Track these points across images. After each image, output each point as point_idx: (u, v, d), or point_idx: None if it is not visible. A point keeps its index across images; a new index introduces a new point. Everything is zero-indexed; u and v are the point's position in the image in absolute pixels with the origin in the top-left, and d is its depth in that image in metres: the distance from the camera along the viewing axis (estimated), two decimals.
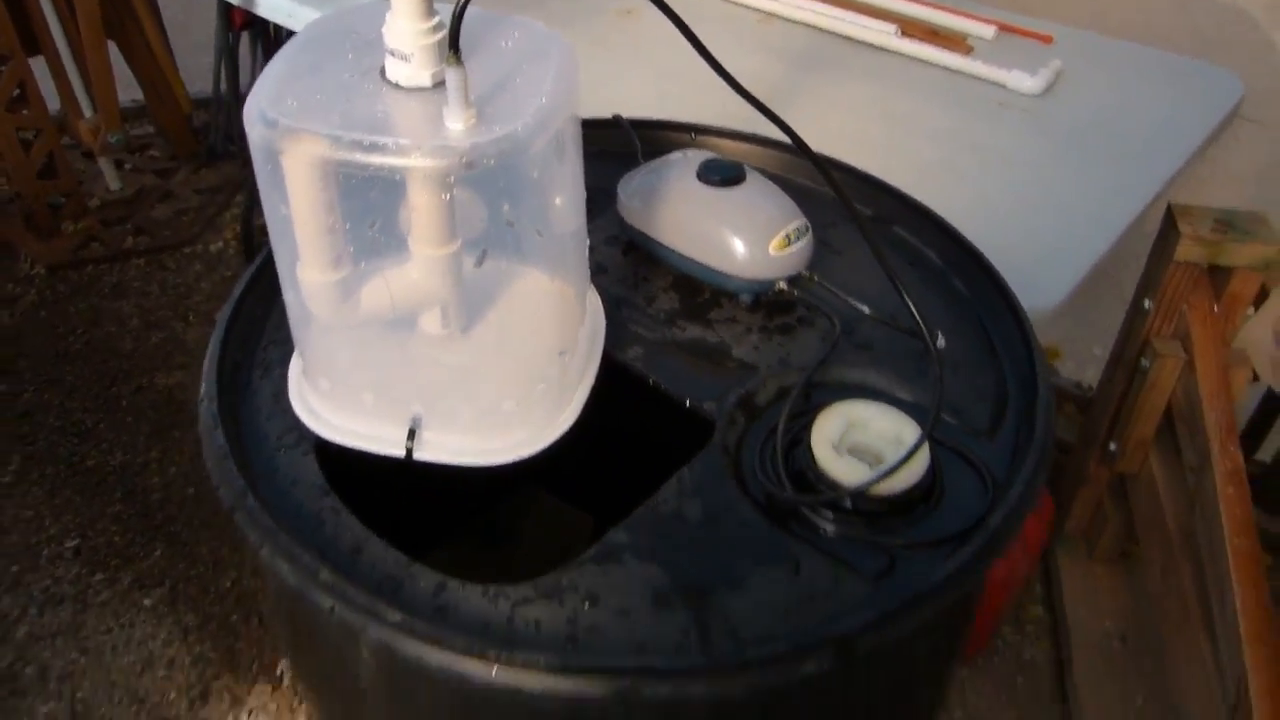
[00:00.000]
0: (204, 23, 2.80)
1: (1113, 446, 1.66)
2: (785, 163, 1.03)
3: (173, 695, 1.72)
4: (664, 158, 0.92)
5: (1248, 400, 1.85)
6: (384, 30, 0.62)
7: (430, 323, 0.72)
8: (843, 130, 1.35)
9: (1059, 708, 1.75)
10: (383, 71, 0.64)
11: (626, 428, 0.86)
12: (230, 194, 2.77)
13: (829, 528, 0.70)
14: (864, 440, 0.74)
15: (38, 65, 2.40)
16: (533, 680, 0.59)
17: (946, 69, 1.51)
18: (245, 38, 2.50)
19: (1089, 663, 1.72)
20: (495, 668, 0.60)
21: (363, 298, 0.69)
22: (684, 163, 0.88)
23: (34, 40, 2.37)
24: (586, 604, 0.65)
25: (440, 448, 0.72)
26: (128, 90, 2.62)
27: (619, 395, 0.81)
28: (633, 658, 0.61)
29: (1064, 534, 1.89)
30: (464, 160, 0.59)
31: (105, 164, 2.65)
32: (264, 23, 2.39)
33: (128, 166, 2.80)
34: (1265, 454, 1.90)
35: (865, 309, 0.86)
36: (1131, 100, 1.46)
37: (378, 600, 0.61)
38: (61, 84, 2.46)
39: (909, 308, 0.80)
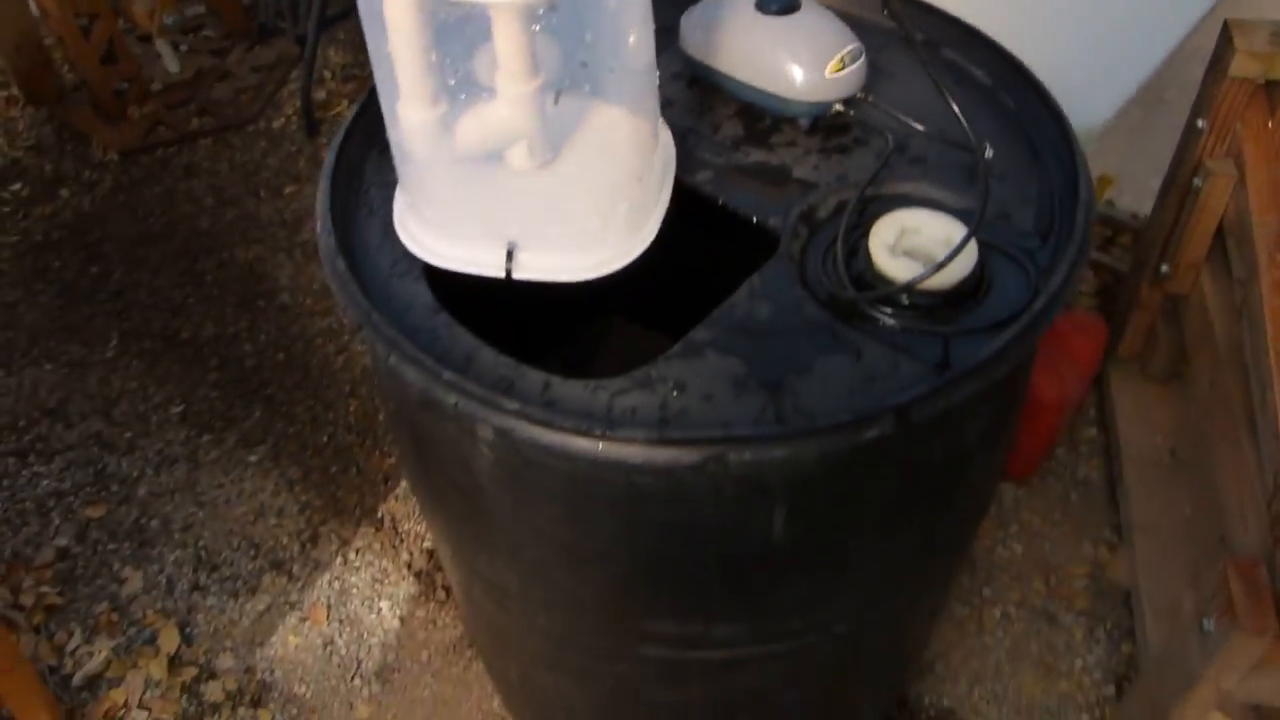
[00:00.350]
0: None
1: (1165, 269, 1.71)
2: None
3: (285, 540, 1.88)
4: None
5: None
6: None
7: (518, 156, 0.80)
8: None
9: (1111, 521, 1.85)
10: None
11: (697, 249, 0.93)
12: (286, 70, 2.83)
13: (887, 320, 0.78)
14: (917, 243, 0.81)
15: None
16: (633, 453, 0.69)
17: None
18: None
19: (1140, 476, 1.80)
20: (600, 444, 0.69)
21: (458, 133, 0.77)
22: None
23: None
24: (675, 392, 0.74)
25: (535, 267, 0.81)
26: None
27: (690, 218, 0.88)
28: (718, 430, 0.71)
29: (1117, 357, 1.96)
30: None
31: (163, 46, 2.71)
32: None
33: (183, 48, 2.85)
34: None
35: (917, 126, 0.92)
36: None
37: (494, 393, 0.71)
38: None
39: (958, 118, 0.86)
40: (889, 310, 0.78)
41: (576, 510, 0.79)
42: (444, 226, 0.82)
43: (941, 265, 0.77)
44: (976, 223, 0.79)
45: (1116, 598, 1.75)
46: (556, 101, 0.80)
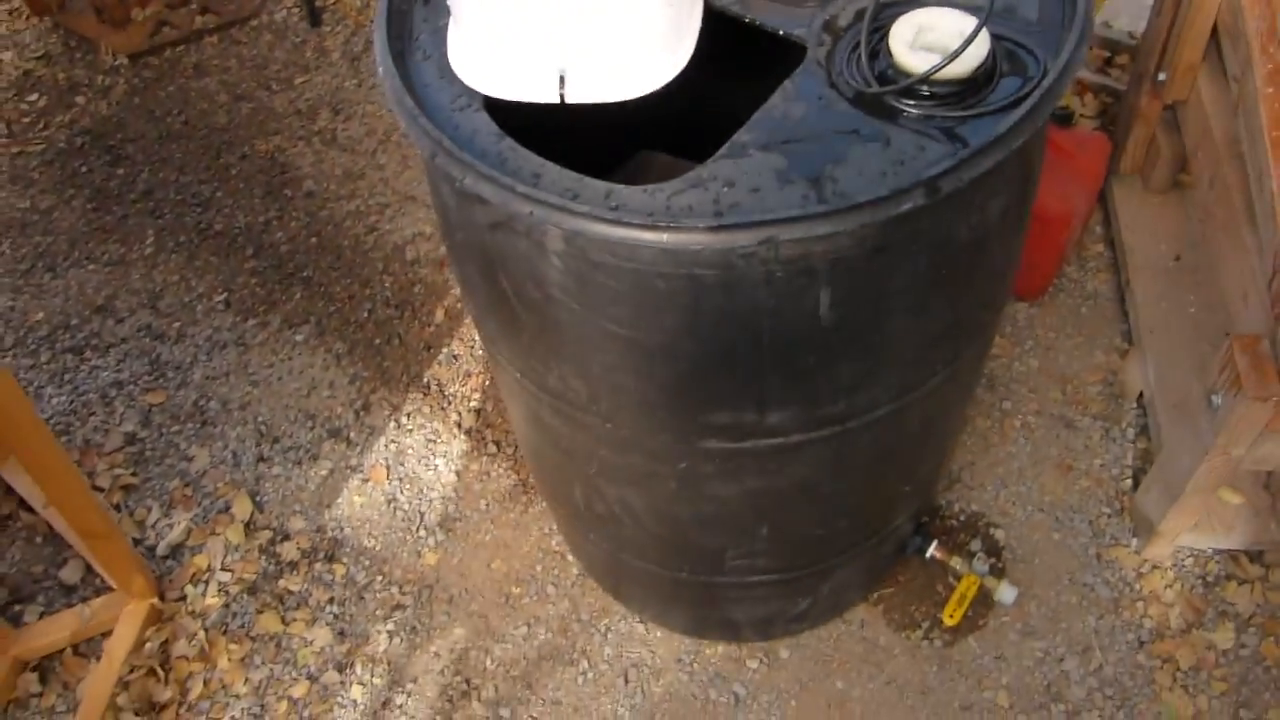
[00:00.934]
0: None
1: (1162, 76, 1.76)
2: None
3: (339, 409, 1.99)
4: None
5: None
6: None
7: None
8: None
9: (1122, 329, 1.95)
10: None
11: (728, 75, 1.00)
12: None
13: (910, 110, 0.86)
14: (933, 39, 0.88)
15: None
16: (693, 240, 0.78)
17: None
18: None
19: (1146, 282, 1.89)
20: (665, 235, 0.78)
21: None
22: None
23: None
24: (725, 188, 0.82)
25: (585, 90, 0.88)
26: None
27: (720, 41, 0.95)
28: (768, 214, 0.79)
29: (1120, 173, 2.02)
30: None
31: None
32: None
33: None
34: None
35: None
36: None
37: (565, 199, 0.80)
38: None
39: None
40: (911, 101, 0.86)
41: (641, 307, 0.88)
42: (498, 58, 0.89)
43: (956, 55, 0.84)
44: (986, 14, 0.86)
45: (1130, 399, 1.86)
46: None
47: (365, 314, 2.12)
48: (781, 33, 0.93)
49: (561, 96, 0.88)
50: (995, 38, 0.90)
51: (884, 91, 0.86)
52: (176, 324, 2.14)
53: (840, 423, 1.05)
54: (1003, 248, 1.00)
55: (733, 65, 1.02)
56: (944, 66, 0.84)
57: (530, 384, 1.09)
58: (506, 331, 1.04)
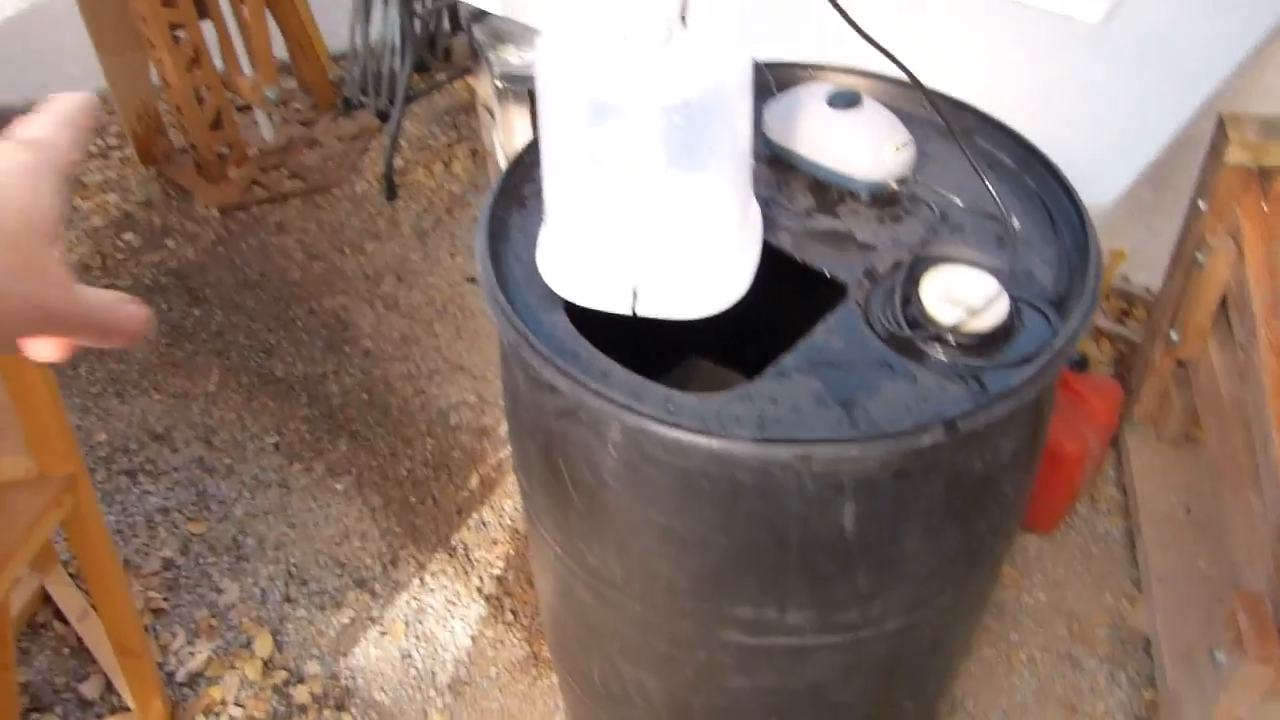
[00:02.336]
0: None
1: (1174, 336, 1.90)
2: (888, 90, 1.29)
3: (368, 561, 2.07)
4: (795, 88, 1.19)
5: None
6: (622, 9, 0.90)
7: (643, 215, 1.01)
8: (925, 58, 1.59)
9: (1130, 573, 2.01)
10: (622, 35, 0.92)
11: (772, 302, 1.13)
12: (367, 140, 3.09)
13: (936, 355, 0.98)
14: (960, 294, 1.01)
15: (205, 29, 2.73)
16: (740, 449, 0.89)
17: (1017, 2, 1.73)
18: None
19: (1157, 532, 1.97)
20: (715, 442, 0.89)
21: (598, 195, 0.98)
22: (813, 91, 1.15)
23: (203, 7, 2.70)
24: (769, 404, 0.94)
25: (654, 306, 1.01)
26: (275, 48, 2.94)
27: (768, 274, 1.09)
28: (806, 434, 0.90)
29: (1134, 420, 2.13)
30: (685, 99, 0.87)
31: (261, 116, 2.98)
32: None
33: (277, 118, 3.13)
34: None
35: (957, 201, 1.13)
36: (1186, 18, 1.67)
37: (630, 399, 0.91)
38: (225, 46, 2.79)
39: (991, 196, 1.06)
40: (938, 347, 0.98)
41: (685, 501, 0.98)
42: (580, 271, 1.02)
43: (979, 312, 0.97)
44: (1008, 279, 0.99)
45: (1137, 645, 1.90)
46: (671, 170, 1.01)
47: (404, 472, 2.22)
48: (828, 274, 1.06)
49: (633, 310, 1.01)
50: (1014, 299, 1.02)
51: (913, 336, 0.98)
52: (227, 460, 2.26)
53: (854, 630, 1.12)
54: (1013, 482, 1.09)
55: (779, 289, 1.15)
56: (967, 321, 0.96)
57: (569, 559, 1.17)
58: (555, 508, 1.14)
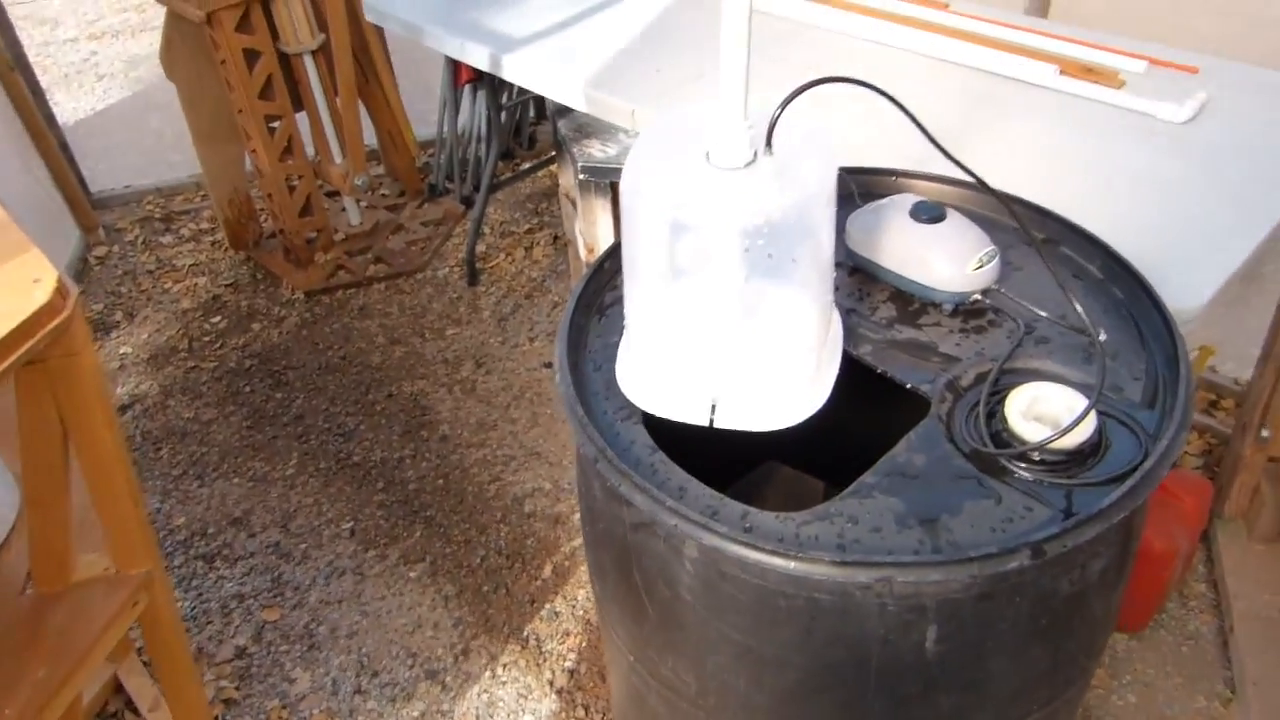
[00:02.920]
0: (427, 72, 3.23)
1: (1265, 433, 1.83)
2: (975, 198, 1.29)
3: (439, 651, 2.07)
4: (880, 201, 1.20)
5: None
6: (712, 127, 0.92)
7: (722, 328, 1.02)
8: (1012, 161, 1.59)
9: (1224, 674, 1.92)
10: (707, 156, 0.93)
11: (856, 409, 1.13)
12: (451, 226, 3.18)
13: (1021, 473, 0.96)
14: (1046, 410, 0.99)
15: (299, 121, 2.85)
16: (819, 570, 0.87)
17: (1102, 103, 1.72)
18: (466, 90, 2.90)
19: (1250, 632, 1.89)
20: (792, 563, 0.88)
21: (679, 309, 0.99)
22: (898, 204, 1.16)
23: (298, 99, 2.83)
24: (850, 524, 0.93)
25: (732, 418, 1.01)
26: (365, 136, 3.05)
27: (851, 383, 1.08)
28: (887, 556, 0.89)
29: (1224, 517, 2.06)
30: (769, 219, 0.88)
31: (349, 202, 3.09)
32: (490, 78, 2.76)
33: (364, 204, 3.24)
34: None
35: (1042, 313, 1.11)
36: (1272, 123, 1.65)
37: (706, 518, 0.91)
38: (318, 136, 2.90)
39: (1076, 310, 1.05)
40: (1023, 465, 0.96)
41: (761, 619, 0.97)
42: (660, 382, 1.03)
43: (1066, 430, 0.95)
44: (1095, 396, 0.97)
45: None
46: (751, 282, 1.02)
47: (478, 560, 2.23)
48: (909, 386, 1.05)
49: (711, 421, 1.01)
50: (1102, 412, 1.00)
51: (998, 454, 0.96)
52: (303, 545, 2.29)
53: None
54: (1102, 602, 1.06)
55: (862, 399, 1.14)
56: (1055, 439, 0.94)
57: (643, 669, 1.16)
58: (629, 619, 1.13)
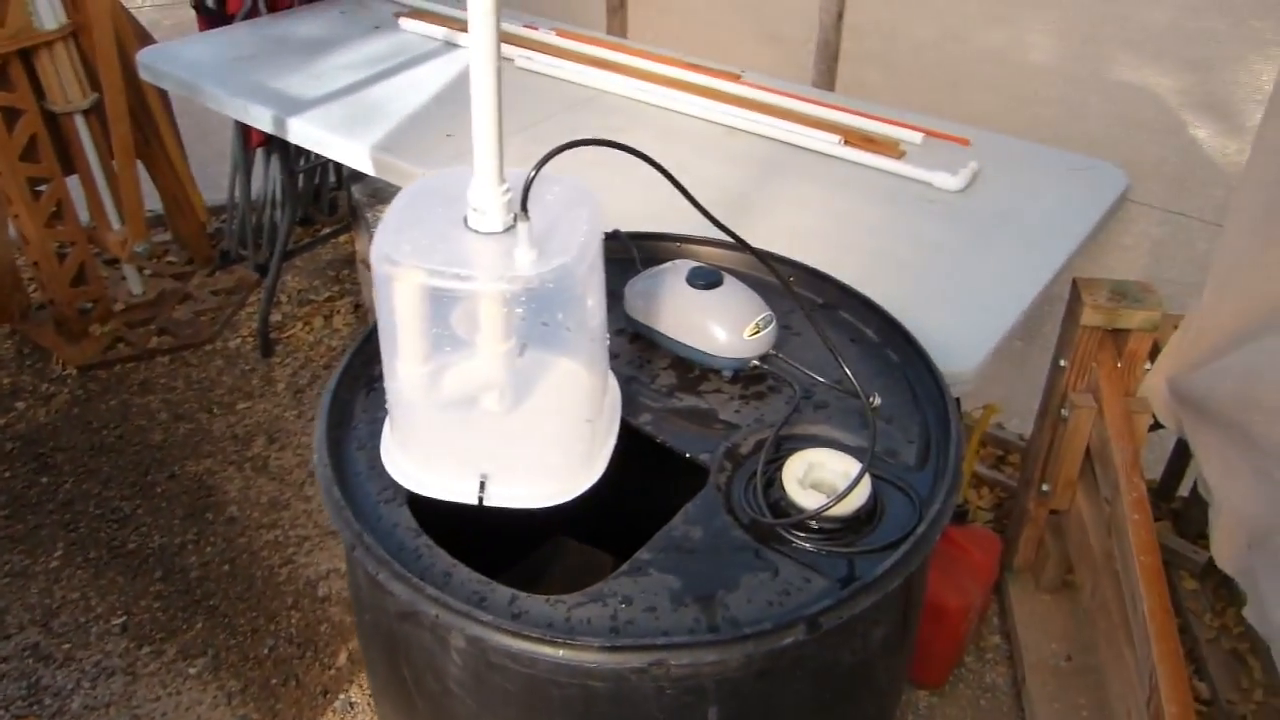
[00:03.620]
0: (210, 140, 3.07)
1: (1045, 487, 1.91)
2: (755, 263, 1.29)
3: None
4: (659, 266, 1.18)
5: (1166, 444, 2.12)
6: (468, 191, 0.87)
7: (491, 401, 0.96)
8: (797, 226, 1.62)
9: None
10: (465, 221, 0.88)
11: (637, 479, 1.09)
12: (244, 295, 3.01)
13: (799, 542, 0.94)
14: (822, 476, 0.98)
15: (71, 184, 2.65)
16: (589, 657, 0.82)
17: (882, 171, 1.79)
18: (259, 154, 2.77)
19: (1041, 681, 1.95)
20: (561, 650, 0.82)
21: (444, 384, 0.93)
22: (675, 270, 1.14)
23: (69, 161, 2.63)
24: (623, 605, 0.88)
25: (503, 496, 0.95)
26: (148, 201, 2.86)
27: (633, 452, 1.04)
28: (660, 638, 0.84)
29: (1014, 569, 2.13)
30: (528, 286, 0.84)
31: (129, 270, 2.89)
32: (281, 142, 2.65)
33: (147, 272, 3.03)
34: (1184, 489, 2.16)
35: (819, 378, 1.11)
36: (1037, 192, 1.75)
37: (470, 606, 0.84)
38: (92, 200, 2.70)
39: (848, 375, 1.05)
40: (801, 534, 0.94)
41: (534, 710, 0.90)
42: (426, 460, 0.96)
43: (841, 497, 0.94)
44: (867, 461, 0.97)
45: None
46: (522, 354, 0.97)
47: (266, 651, 2.07)
48: (687, 455, 1.02)
49: (480, 499, 0.95)
50: (877, 477, 1.00)
51: (775, 523, 0.94)
52: (66, 645, 2.07)
53: None
54: (887, 669, 1.05)
55: (644, 466, 1.10)
56: (830, 507, 0.93)
57: None
58: (401, 714, 1.04)
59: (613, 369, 1.11)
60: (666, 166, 1.00)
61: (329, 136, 1.94)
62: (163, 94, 2.75)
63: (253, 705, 1.97)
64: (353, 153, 1.90)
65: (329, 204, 3.20)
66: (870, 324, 1.22)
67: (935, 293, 1.47)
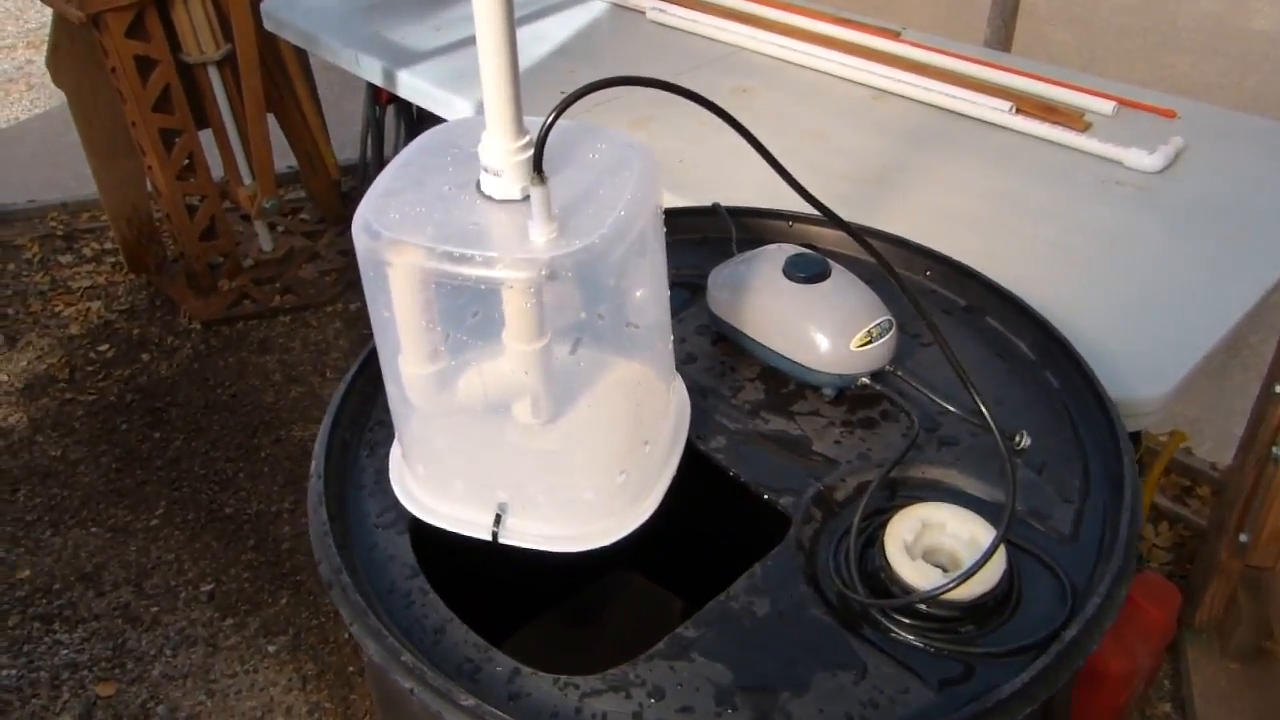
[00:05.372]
0: (354, 97, 2.99)
1: (1244, 537, 1.58)
2: (887, 250, 1.04)
3: None
4: (753, 251, 0.95)
5: None
6: (479, 148, 0.67)
7: (521, 412, 0.76)
8: (951, 209, 1.35)
9: None
10: (478, 184, 0.69)
11: (708, 515, 0.88)
12: None
13: (899, 632, 0.70)
14: (939, 542, 0.74)
15: (204, 137, 2.61)
16: None
17: (1061, 145, 1.49)
18: (390, 111, 2.65)
19: None
20: None
21: (458, 388, 0.74)
22: (772, 257, 0.91)
23: (203, 115, 2.58)
24: (652, 699, 0.67)
25: (523, 533, 0.76)
26: (282, 158, 2.81)
27: (700, 484, 0.83)
28: None
29: (1194, 626, 1.80)
30: (544, 273, 0.63)
31: (260, 227, 2.84)
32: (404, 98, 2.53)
33: (279, 229, 2.99)
34: None
35: (949, 406, 0.86)
36: (1257, 177, 1.41)
37: (454, 685, 0.65)
38: (225, 154, 2.66)
39: (982, 410, 0.80)
40: (904, 619, 0.71)
41: None
42: (436, 482, 0.78)
43: (966, 577, 0.69)
44: (1004, 528, 0.72)
45: None
46: (574, 351, 0.77)
47: (346, 635, 1.96)
48: (765, 498, 0.80)
49: (494, 534, 0.75)
50: (1016, 547, 0.75)
51: (870, 603, 0.71)
52: (155, 609, 2.02)
53: None
54: None
55: (716, 500, 0.89)
56: (948, 590, 0.69)
57: None
58: None
59: (688, 375, 0.89)
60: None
61: (436, 91, 1.78)
62: (299, 48, 2.67)
63: (326, 693, 1.86)
64: (460, 110, 1.74)
65: None
66: (1025, 336, 0.96)
67: (1116, 298, 1.18)
